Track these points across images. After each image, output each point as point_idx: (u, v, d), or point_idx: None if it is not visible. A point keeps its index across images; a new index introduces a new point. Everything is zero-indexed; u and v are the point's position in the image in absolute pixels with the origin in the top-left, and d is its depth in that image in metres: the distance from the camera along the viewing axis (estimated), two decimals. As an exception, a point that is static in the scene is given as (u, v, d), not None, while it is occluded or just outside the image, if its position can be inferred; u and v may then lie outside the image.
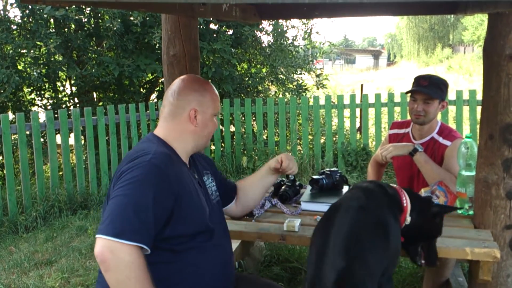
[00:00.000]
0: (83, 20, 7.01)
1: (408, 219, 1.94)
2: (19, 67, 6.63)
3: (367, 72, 39.05)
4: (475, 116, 6.04)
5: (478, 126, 2.40)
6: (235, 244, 3.22)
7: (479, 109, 2.16)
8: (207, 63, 7.24)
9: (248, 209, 2.31)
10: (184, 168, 1.80)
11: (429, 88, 2.69)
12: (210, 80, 7.21)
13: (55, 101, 7.27)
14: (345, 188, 2.66)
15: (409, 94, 2.80)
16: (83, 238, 4.35)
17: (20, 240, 4.38)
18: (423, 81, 2.73)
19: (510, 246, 2.20)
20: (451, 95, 6.30)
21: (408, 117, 2.98)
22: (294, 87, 8.57)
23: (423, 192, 2.45)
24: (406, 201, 1.96)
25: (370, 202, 1.87)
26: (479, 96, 2.16)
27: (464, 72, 25.56)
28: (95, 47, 7.21)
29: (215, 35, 7.59)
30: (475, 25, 32.65)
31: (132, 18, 6.79)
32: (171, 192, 1.63)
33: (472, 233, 2.18)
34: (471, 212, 2.38)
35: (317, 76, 8.89)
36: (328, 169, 2.72)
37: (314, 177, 2.65)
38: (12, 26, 6.51)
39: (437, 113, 2.80)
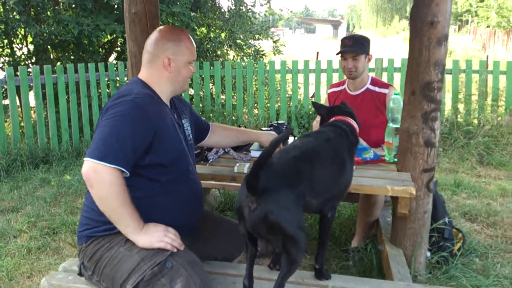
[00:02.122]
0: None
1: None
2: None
3: (326, 41, 39.44)
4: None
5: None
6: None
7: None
8: (166, 25, 7.34)
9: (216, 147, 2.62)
10: (165, 108, 2.04)
11: (354, 46, 3.13)
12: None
13: (11, 59, 7.24)
14: (291, 139, 2.98)
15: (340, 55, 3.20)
16: (47, 188, 4.55)
17: (-16, 191, 4.54)
18: (348, 41, 3.15)
19: (427, 187, 2.58)
20: (397, 63, 6.73)
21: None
22: (252, 52, 8.80)
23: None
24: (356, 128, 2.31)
25: (336, 139, 2.14)
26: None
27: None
28: (54, 6, 7.19)
29: (174, -2, 7.69)
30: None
31: (91, -23, 6.81)
32: (150, 127, 1.87)
33: (394, 175, 2.55)
34: (396, 159, 2.75)
35: (274, 42, 9.15)
36: (276, 121, 3.04)
37: (263, 129, 2.96)
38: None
39: (366, 66, 3.22)
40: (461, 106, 6.49)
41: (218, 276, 2.15)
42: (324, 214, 2.10)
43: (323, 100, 3.60)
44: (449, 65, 6.68)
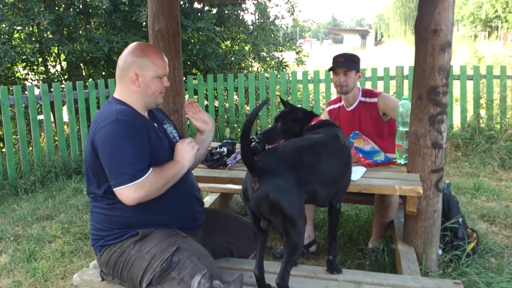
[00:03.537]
0: (73, -1, 7.37)
1: None
2: (14, 43, 6.96)
3: (354, 51, 39.29)
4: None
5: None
6: (214, 196, 3.72)
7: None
8: (192, 40, 7.61)
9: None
10: (144, 118, 2.15)
11: (346, 63, 3.28)
12: (195, 57, 7.61)
13: (45, 76, 7.61)
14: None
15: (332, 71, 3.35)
16: (79, 197, 4.81)
17: (21, 200, 4.83)
18: (340, 58, 3.30)
19: (436, 187, 2.68)
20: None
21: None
22: (275, 64, 8.99)
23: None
24: None
25: (342, 137, 2.31)
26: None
27: (446, 51, 25.88)
28: (85, 25, 7.56)
29: (199, 14, 7.96)
30: (460, 4, 33.05)
31: (120, -3, 7.15)
32: (143, 133, 2.03)
33: (403, 176, 2.68)
34: (407, 161, 2.86)
35: (297, 53, 9.32)
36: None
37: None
38: (1, 5, 6.82)
39: (356, 82, 3.35)
40: (482, 112, 6.51)
41: (235, 271, 2.30)
42: (333, 206, 2.25)
43: (322, 115, 3.71)
44: (470, 71, 6.72)
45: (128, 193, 1.94)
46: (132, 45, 2.19)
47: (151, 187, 1.97)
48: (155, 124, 2.22)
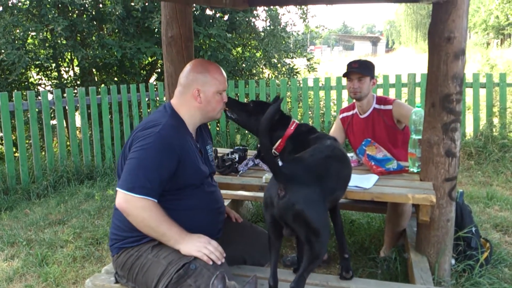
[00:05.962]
0: (86, 5, 7.44)
1: None
2: (28, 48, 7.04)
3: (365, 58, 39.14)
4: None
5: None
6: (225, 202, 3.71)
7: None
8: (203, 47, 7.64)
9: None
10: (189, 137, 2.18)
11: (360, 68, 3.28)
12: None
13: (58, 81, 7.67)
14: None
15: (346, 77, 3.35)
16: (91, 202, 4.84)
17: (34, 205, 4.86)
18: (354, 64, 3.31)
19: (449, 196, 2.67)
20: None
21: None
22: (286, 70, 9.00)
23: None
24: None
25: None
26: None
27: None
28: (99, 31, 7.63)
29: (211, 20, 7.99)
30: (472, 12, 32.90)
31: (133, 4, 7.20)
32: (175, 157, 2.05)
33: (416, 184, 2.66)
34: (419, 169, 2.84)
35: (308, 60, 9.32)
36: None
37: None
38: (16, 11, 6.90)
39: (371, 89, 3.34)
40: (495, 120, 6.45)
41: (248, 279, 2.29)
42: (336, 205, 2.33)
43: (335, 122, 3.69)
44: (482, 79, 6.67)
45: (119, 196, 1.98)
46: (192, 62, 2.28)
47: (137, 211, 1.97)
48: (197, 143, 2.26)
